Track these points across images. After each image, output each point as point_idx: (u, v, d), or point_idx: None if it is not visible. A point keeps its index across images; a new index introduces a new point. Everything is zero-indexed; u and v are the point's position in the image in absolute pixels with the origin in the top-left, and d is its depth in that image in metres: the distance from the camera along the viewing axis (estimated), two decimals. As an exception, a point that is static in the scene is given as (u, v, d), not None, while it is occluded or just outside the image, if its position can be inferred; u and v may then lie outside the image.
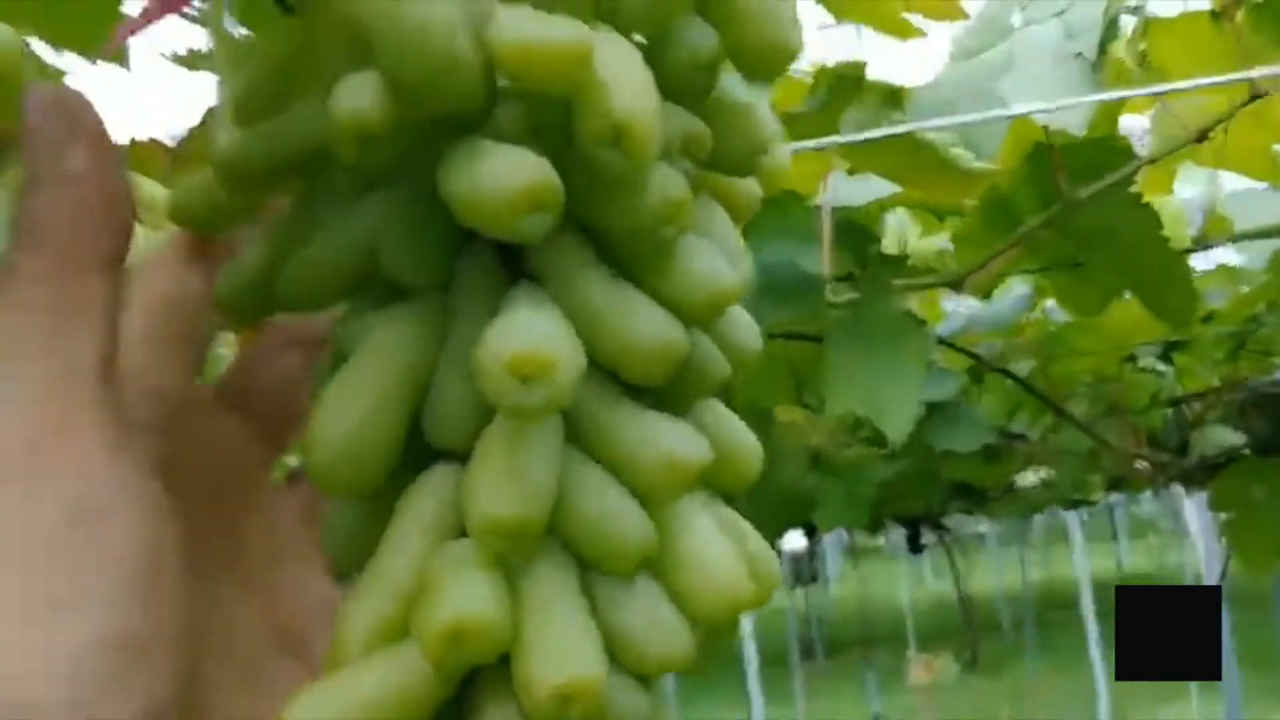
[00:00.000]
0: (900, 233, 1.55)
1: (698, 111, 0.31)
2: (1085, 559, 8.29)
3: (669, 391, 0.30)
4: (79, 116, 0.28)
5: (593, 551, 0.28)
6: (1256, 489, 1.94)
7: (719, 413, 0.32)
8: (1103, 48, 0.93)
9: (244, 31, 0.69)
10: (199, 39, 0.88)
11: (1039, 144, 0.96)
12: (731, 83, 0.32)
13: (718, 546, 0.29)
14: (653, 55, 0.29)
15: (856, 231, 1.24)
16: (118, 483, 0.27)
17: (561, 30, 0.25)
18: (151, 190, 0.56)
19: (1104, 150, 1.00)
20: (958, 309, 1.85)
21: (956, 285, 1.02)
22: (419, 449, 0.29)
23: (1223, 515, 2.06)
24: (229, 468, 0.33)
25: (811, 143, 0.79)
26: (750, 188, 0.35)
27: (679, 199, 0.27)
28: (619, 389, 0.29)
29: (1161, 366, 1.99)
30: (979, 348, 1.69)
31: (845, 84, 0.85)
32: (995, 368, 1.44)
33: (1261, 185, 1.33)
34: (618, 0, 0.28)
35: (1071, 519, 8.67)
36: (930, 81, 0.99)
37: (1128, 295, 1.16)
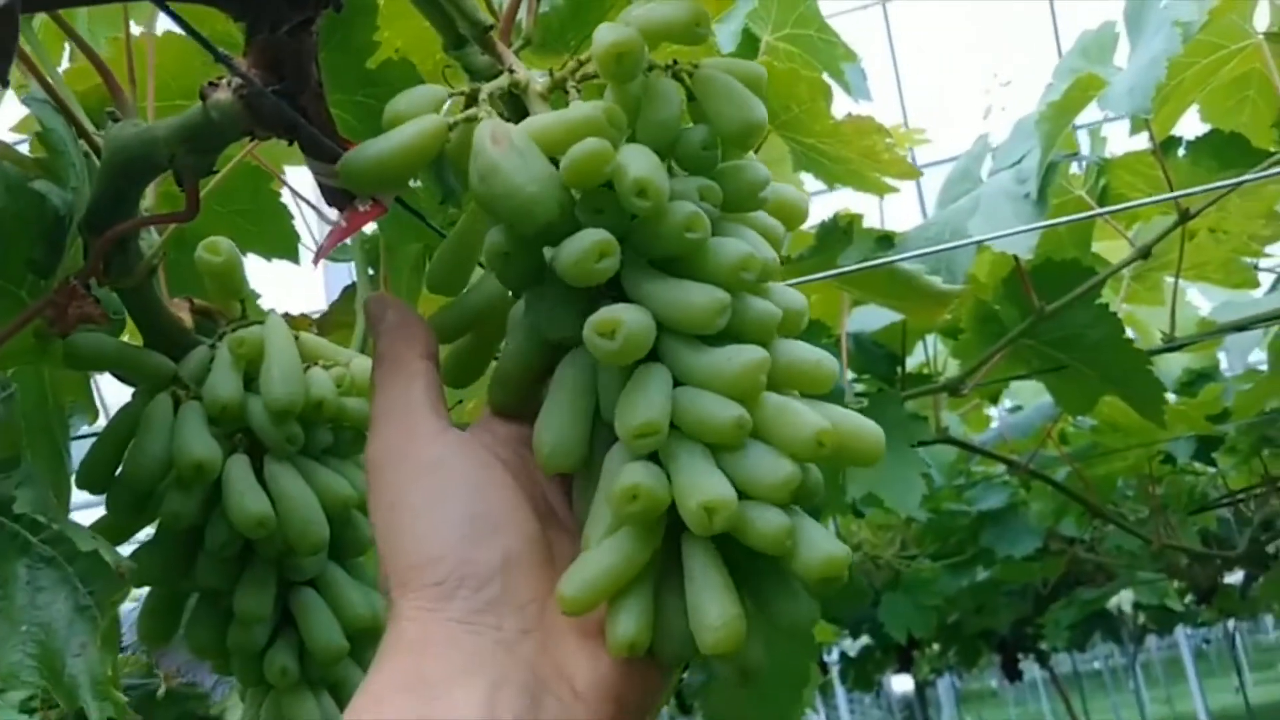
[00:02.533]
0: (934, 356, 1.73)
1: (713, 177, 0.52)
2: (1200, 691, 8.03)
3: (742, 336, 0.48)
4: (382, 305, 0.54)
5: (707, 436, 0.46)
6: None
7: (791, 344, 0.50)
8: (1043, 190, 1.13)
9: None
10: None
11: (1013, 268, 1.16)
12: (736, 159, 0.53)
13: (797, 413, 0.46)
14: (674, 150, 0.51)
15: (881, 353, 1.44)
16: (450, 452, 0.49)
17: (589, 144, 0.47)
18: (322, 346, 0.77)
19: (1071, 270, 1.19)
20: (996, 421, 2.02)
21: (954, 390, 1.21)
22: (603, 437, 0.49)
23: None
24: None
25: (809, 278, 1.00)
26: (768, 221, 0.54)
27: (691, 214, 0.48)
28: (703, 342, 0.48)
29: (1200, 465, 2.12)
30: (1023, 456, 1.85)
31: (843, 233, 1.06)
32: (1029, 471, 1.60)
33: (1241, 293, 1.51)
34: (641, 130, 0.50)
35: (1184, 646, 8.46)
36: (918, 226, 1.21)
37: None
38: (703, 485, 0.45)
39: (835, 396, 1.21)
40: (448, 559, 0.46)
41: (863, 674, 5.23)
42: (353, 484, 0.73)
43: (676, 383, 0.48)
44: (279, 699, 0.73)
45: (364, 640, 0.74)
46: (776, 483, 0.45)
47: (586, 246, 0.46)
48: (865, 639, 4.40)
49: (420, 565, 0.46)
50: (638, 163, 0.47)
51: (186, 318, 0.76)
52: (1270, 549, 2.24)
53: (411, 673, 0.44)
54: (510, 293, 0.54)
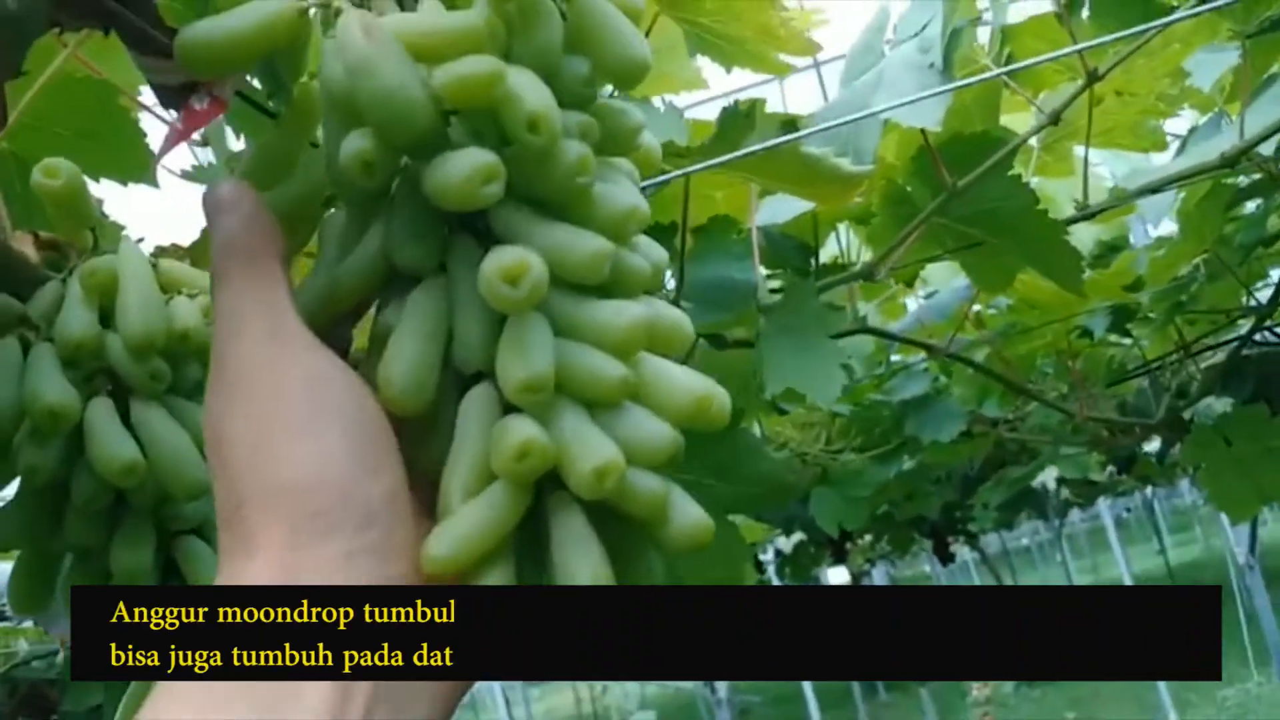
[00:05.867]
0: (847, 246, 1.70)
1: (590, 114, 0.47)
2: (1124, 558, 8.31)
3: (616, 290, 0.45)
4: (238, 192, 0.46)
5: (591, 394, 0.43)
6: (1224, 439, 2.05)
7: (657, 303, 0.47)
8: (948, 58, 1.09)
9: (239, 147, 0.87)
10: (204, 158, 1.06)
11: (921, 145, 1.12)
12: (613, 99, 0.49)
13: (679, 372, 0.44)
14: (552, 82, 0.45)
15: (792, 245, 1.40)
16: (330, 367, 0.43)
17: (481, 63, 0.42)
18: (185, 273, 0.71)
19: (981, 142, 1.15)
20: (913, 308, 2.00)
21: (870, 276, 1.17)
22: (450, 382, 0.44)
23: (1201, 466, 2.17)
24: None
25: (712, 161, 0.95)
26: (628, 166, 0.50)
27: (583, 157, 0.43)
28: (581, 294, 0.44)
29: (1116, 338, 2.12)
30: (941, 341, 1.83)
31: (745, 118, 1.00)
32: (949, 354, 1.58)
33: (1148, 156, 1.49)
34: (518, 54, 0.45)
35: (1106, 516, 8.72)
36: (820, 108, 1.15)
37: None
38: (595, 447, 0.41)
39: (748, 295, 1.18)
40: (334, 486, 0.40)
41: (799, 569, 5.30)
42: (232, 421, 0.67)
43: (556, 331, 0.44)
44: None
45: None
46: (660, 448, 0.43)
47: (475, 166, 0.41)
48: (799, 535, 4.43)
49: (301, 490, 0.40)
50: (532, 93, 0.42)
51: (31, 252, 0.69)
52: (1187, 415, 2.26)
53: None
54: (324, 198, 0.49)
